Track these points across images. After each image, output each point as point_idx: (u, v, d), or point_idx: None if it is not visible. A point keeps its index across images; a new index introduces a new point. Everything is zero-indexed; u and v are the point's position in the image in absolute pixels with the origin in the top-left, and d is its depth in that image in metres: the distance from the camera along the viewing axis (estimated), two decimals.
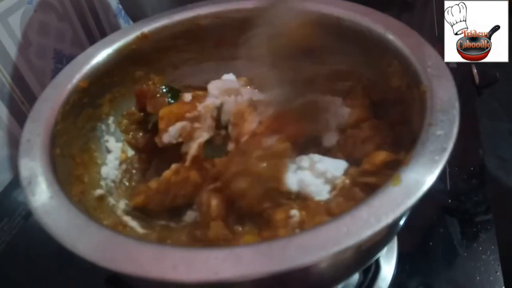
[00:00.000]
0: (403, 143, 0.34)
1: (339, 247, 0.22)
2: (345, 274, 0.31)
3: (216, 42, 0.48)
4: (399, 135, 0.36)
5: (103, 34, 0.76)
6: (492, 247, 0.41)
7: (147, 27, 0.44)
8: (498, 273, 0.39)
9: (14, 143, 0.59)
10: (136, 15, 0.63)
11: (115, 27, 0.79)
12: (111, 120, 0.44)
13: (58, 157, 0.33)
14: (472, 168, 0.48)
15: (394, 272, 0.40)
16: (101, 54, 0.41)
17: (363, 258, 0.30)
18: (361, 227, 0.23)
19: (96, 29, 0.74)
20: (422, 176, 0.26)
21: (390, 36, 0.38)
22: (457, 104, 0.30)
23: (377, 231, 0.23)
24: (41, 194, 0.28)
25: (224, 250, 0.23)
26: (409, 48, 0.36)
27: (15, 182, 0.55)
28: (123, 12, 0.79)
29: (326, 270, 0.26)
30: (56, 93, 0.37)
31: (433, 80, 0.32)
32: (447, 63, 0.59)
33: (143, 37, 0.44)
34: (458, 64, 0.60)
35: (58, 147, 0.33)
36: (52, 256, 0.44)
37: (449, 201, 0.45)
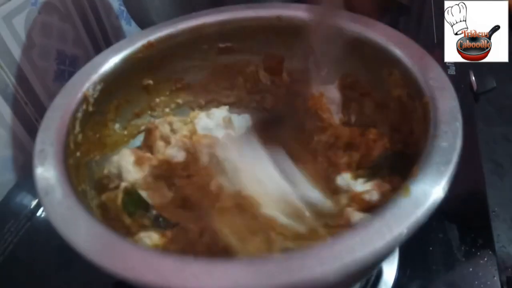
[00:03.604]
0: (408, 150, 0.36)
1: (355, 257, 0.24)
2: (356, 280, 0.32)
3: (219, 50, 0.49)
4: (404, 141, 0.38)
5: (105, 34, 0.76)
6: (490, 252, 0.42)
7: (153, 36, 0.45)
8: (495, 278, 0.40)
9: (17, 144, 0.59)
10: (141, 19, 0.63)
11: (117, 28, 0.80)
12: (116, 126, 0.45)
13: (72, 167, 0.33)
14: (469, 176, 0.49)
15: (395, 276, 0.42)
16: (109, 63, 0.42)
17: (373, 265, 0.31)
18: (375, 238, 0.24)
19: (98, 30, 0.75)
20: (430, 188, 0.27)
21: (392, 47, 0.39)
22: (459, 116, 0.31)
23: (390, 241, 0.24)
24: (59, 205, 0.28)
25: (244, 261, 0.24)
26: (410, 59, 0.37)
27: (21, 184, 0.55)
28: (124, 13, 0.80)
29: (341, 278, 0.27)
30: (66, 102, 0.37)
31: (435, 92, 0.33)
32: (446, 71, 0.61)
33: (149, 45, 0.45)
34: (457, 71, 0.62)
35: (71, 157, 0.34)
36: (58, 257, 0.45)
37: (449, 207, 0.46)
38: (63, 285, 0.44)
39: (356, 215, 0.33)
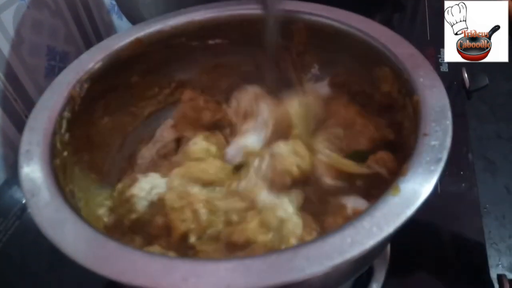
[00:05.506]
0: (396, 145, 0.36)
1: (345, 257, 0.24)
2: (346, 279, 0.32)
3: (209, 47, 0.48)
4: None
5: (96, 30, 0.75)
6: (481, 250, 0.42)
7: (141, 33, 0.44)
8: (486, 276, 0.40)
9: (6, 142, 0.58)
10: (131, 14, 0.62)
11: (108, 23, 0.79)
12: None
13: (59, 167, 0.33)
14: (462, 173, 0.49)
15: (385, 275, 0.42)
16: (96, 60, 0.41)
17: (364, 263, 0.32)
18: (365, 237, 0.24)
19: (89, 26, 0.74)
20: (420, 186, 0.27)
21: (383, 46, 0.39)
22: (449, 114, 0.31)
23: (380, 241, 0.24)
24: (46, 207, 0.28)
25: (233, 261, 0.24)
26: (401, 57, 0.37)
27: (10, 182, 0.54)
28: (116, 8, 0.79)
29: (331, 277, 0.27)
30: (53, 101, 0.37)
31: (425, 90, 0.33)
32: (439, 68, 0.61)
33: (137, 42, 0.44)
34: (449, 69, 0.62)
35: (58, 157, 0.33)
36: (48, 256, 0.45)
37: (440, 205, 0.46)
38: (55, 284, 0.44)
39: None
